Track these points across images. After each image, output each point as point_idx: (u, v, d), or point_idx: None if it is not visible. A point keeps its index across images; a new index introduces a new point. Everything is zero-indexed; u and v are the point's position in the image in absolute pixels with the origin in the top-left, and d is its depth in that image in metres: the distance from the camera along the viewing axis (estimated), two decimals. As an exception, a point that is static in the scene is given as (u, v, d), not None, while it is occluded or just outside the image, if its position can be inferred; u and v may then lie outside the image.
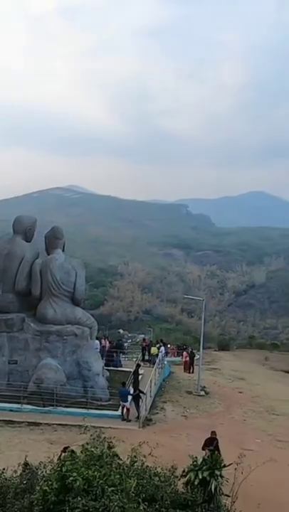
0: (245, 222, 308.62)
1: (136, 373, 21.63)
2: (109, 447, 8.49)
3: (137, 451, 8.49)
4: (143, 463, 8.37)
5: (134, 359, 31.32)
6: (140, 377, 21.94)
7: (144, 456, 8.47)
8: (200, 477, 9.07)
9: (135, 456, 8.38)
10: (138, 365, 22.95)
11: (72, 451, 9.16)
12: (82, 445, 8.48)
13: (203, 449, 12.68)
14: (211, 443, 12.98)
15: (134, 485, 7.45)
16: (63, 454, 9.51)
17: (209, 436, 13.38)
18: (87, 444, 8.49)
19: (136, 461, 8.30)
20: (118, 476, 7.54)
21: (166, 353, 35.01)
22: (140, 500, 7.38)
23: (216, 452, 12.88)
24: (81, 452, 8.27)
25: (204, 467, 9.33)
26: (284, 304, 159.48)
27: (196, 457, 9.83)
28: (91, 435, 8.80)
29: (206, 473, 9.17)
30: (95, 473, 7.42)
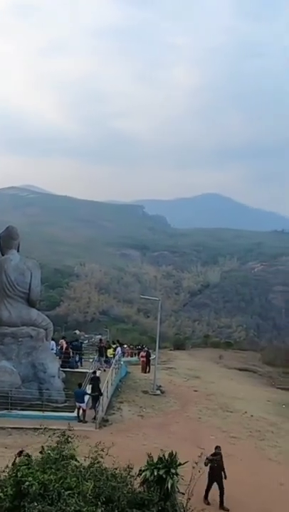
0: (200, 224, 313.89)
1: (94, 380, 21.30)
2: (60, 442, 8.44)
3: (95, 452, 8.50)
4: (100, 465, 8.39)
5: (91, 359, 31.15)
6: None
7: (102, 457, 8.50)
8: (155, 474, 9.16)
9: (96, 458, 8.39)
10: (94, 372, 22.72)
11: (28, 455, 9.05)
12: (42, 447, 8.39)
13: (206, 464, 12.50)
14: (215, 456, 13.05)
15: (91, 487, 7.44)
16: (18, 458, 9.38)
17: (213, 451, 13.28)
18: (44, 448, 8.41)
19: (95, 463, 8.30)
20: (74, 479, 7.51)
21: (123, 353, 35.10)
22: (97, 502, 7.38)
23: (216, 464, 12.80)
24: (40, 453, 8.19)
25: (160, 465, 9.43)
26: (237, 303, 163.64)
27: (152, 455, 9.92)
28: (49, 436, 8.73)
29: (162, 472, 9.27)
30: (51, 476, 7.35)
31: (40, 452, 8.50)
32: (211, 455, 12.98)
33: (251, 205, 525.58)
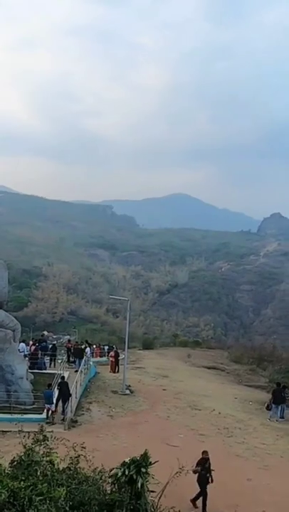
0: (168, 224, 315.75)
1: (62, 384, 21.04)
2: (29, 449, 8.34)
3: (73, 456, 8.48)
4: (77, 469, 8.37)
5: (59, 360, 30.93)
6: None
7: (76, 459, 8.48)
8: (126, 474, 9.16)
9: (74, 462, 8.36)
10: (63, 377, 22.45)
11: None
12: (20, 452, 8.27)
13: (194, 472, 12.44)
14: (204, 463, 12.82)
15: (63, 494, 7.38)
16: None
17: (201, 457, 13.05)
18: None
19: (71, 468, 8.27)
20: (46, 485, 7.43)
21: (92, 353, 35.00)
22: (68, 508, 7.33)
23: (208, 475, 12.70)
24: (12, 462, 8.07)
25: (132, 465, 9.42)
26: (205, 302, 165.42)
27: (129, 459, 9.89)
28: (24, 437, 8.64)
29: (132, 471, 9.27)
30: (21, 483, 7.24)
31: (12, 461, 8.37)
32: (200, 461, 12.83)
33: (218, 206, 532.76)
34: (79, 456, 8.73)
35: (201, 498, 12.80)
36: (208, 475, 12.78)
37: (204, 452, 13.22)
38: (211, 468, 13.00)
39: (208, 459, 13.02)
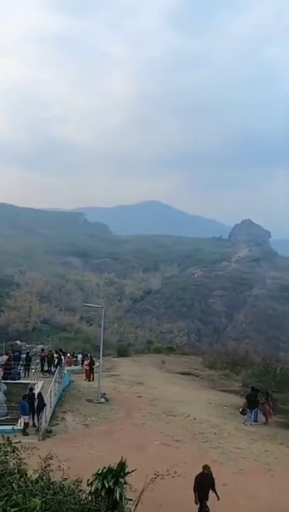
0: (140, 230, 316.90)
1: (30, 397, 20.68)
2: (3, 462, 8.23)
3: (44, 465, 8.40)
4: (49, 478, 8.30)
5: (33, 370, 30.55)
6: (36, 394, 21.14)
7: (52, 470, 8.40)
8: (106, 486, 9.10)
9: (45, 472, 8.28)
10: (32, 389, 22.07)
11: None
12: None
13: (195, 490, 11.93)
14: (204, 479, 12.12)
15: (38, 503, 7.32)
16: None
17: (200, 471, 12.30)
18: None
19: (43, 477, 8.19)
20: (21, 495, 7.36)
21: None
22: None
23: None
24: None
25: (109, 476, 9.38)
26: (178, 308, 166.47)
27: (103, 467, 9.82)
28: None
29: (111, 482, 9.22)
30: None
31: None
32: (198, 477, 12.29)
33: (190, 213, 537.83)
34: (49, 465, 8.65)
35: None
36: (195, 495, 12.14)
37: (205, 467, 12.41)
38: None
39: (211, 474, 12.28)
